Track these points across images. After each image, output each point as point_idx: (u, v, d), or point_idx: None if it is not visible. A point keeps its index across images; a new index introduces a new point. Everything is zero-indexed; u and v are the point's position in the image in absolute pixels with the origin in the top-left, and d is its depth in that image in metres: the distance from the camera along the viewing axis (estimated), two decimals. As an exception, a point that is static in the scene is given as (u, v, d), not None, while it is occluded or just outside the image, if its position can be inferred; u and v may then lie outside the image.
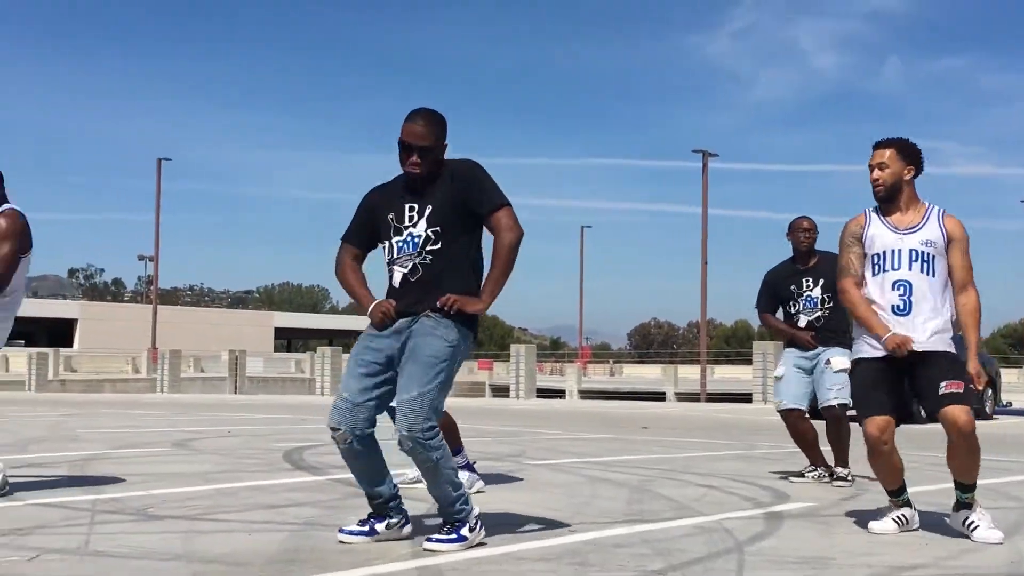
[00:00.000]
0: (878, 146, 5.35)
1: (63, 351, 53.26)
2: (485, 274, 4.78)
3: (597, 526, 5.36)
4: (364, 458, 4.72)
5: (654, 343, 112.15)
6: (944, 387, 5.02)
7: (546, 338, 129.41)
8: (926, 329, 5.16)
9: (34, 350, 43.85)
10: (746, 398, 28.37)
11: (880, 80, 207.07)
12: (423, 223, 4.71)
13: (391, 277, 4.78)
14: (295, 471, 7.98)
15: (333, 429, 4.68)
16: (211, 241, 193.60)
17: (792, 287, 7.73)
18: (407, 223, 4.74)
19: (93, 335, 75.78)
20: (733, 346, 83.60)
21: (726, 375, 55.19)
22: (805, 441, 7.73)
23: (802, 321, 7.69)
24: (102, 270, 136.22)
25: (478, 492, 6.53)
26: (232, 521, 5.42)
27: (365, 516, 4.85)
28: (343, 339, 71.55)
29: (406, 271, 4.72)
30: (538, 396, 32.76)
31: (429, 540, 4.59)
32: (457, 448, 6.68)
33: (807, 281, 7.69)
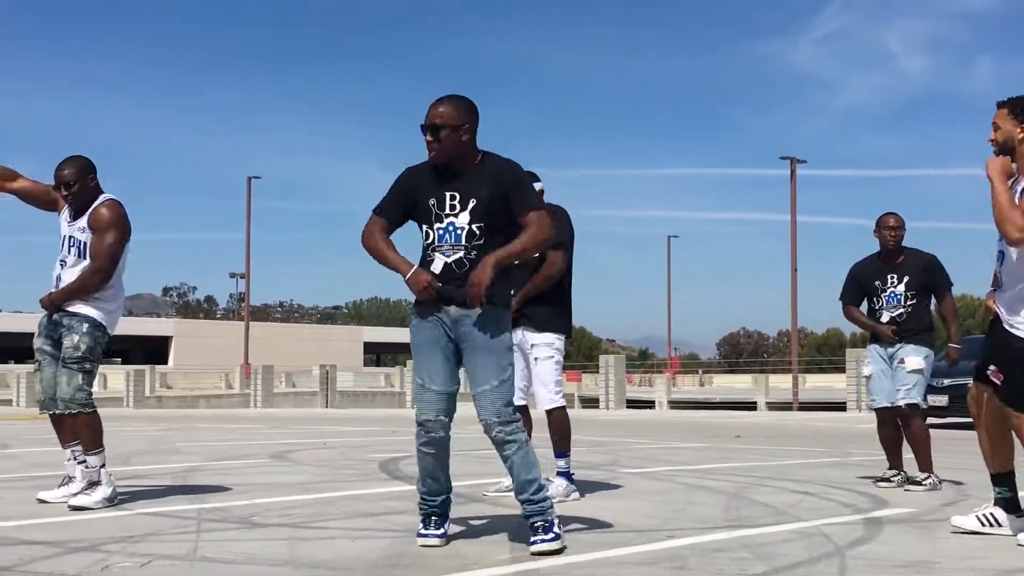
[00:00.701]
0: (998, 106, 5.18)
1: (159, 368, 54.45)
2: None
3: (695, 532, 5.36)
4: (444, 449, 4.86)
5: (744, 353, 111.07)
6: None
7: (634, 349, 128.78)
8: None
9: (131, 367, 44.82)
10: (840, 406, 27.96)
11: (971, 81, 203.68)
12: (466, 215, 4.74)
13: (430, 262, 4.79)
14: (391, 480, 8.08)
15: (427, 422, 4.78)
16: (301, 258, 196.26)
17: (877, 282, 7.72)
18: (448, 211, 4.76)
19: (187, 352, 77.29)
20: (825, 354, 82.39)
21: (818, 384, 54.43)
22: (890, 442, 7.66)
23: (884, 317, 7.69)
24: (195, 288, 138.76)
25: (573, 500, 6.55)
26: (334, 528, 5.52)
27: (429, 519, 4.94)
28: (431, 353, 71.96)
29: (450, 261, 4.75)
30: (628, 407, 32.65)
31: (534, 543, 4.62)
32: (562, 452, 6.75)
33: (892, 277, 7.67)
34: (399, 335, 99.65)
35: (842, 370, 29.29)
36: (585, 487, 7.37)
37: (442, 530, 4.93)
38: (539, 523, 4.68)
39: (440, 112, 4.75)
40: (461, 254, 4.74)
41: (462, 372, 4.90)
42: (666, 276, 67.63)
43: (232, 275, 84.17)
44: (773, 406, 36.21)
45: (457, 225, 4.74)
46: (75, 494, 6.21)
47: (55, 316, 6.25)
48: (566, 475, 6.73)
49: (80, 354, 6.14)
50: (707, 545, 4.93)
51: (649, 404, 38.67)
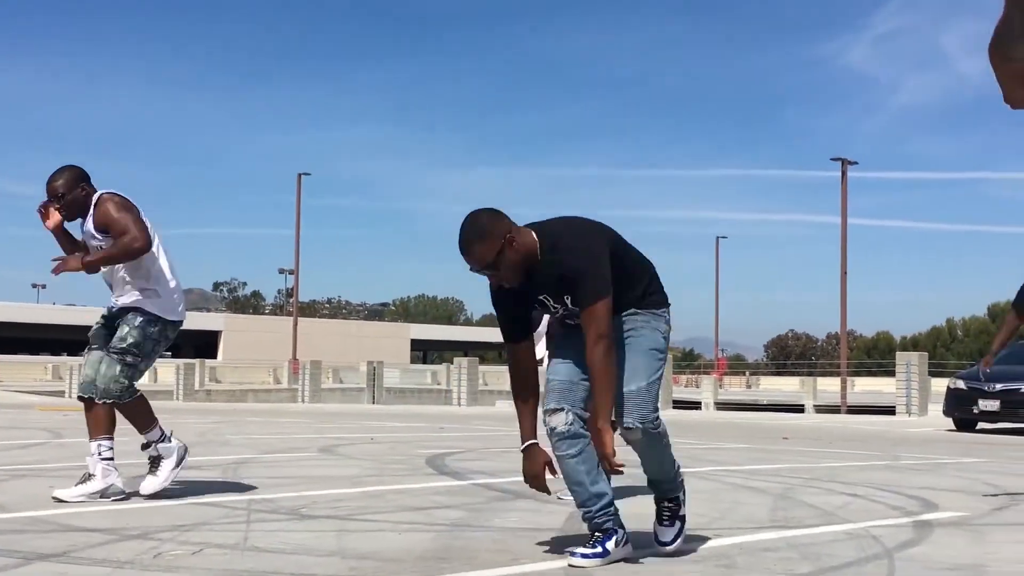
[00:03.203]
0: None
1: (208, 362, 54.94)
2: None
3: (742, 531, 5.35)
4: (584, 445, 4.40)
5: (792, 355, 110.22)
6: None
7: (681, 349, 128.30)
8: None
9: (181, 361, 45.32)
10: (889, 410, 27.69)
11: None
12: (560, 307, 4.46)
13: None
14: (439, 476, 8.12)
15: (554, 411, 4.38)
16: (349, 254, 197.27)
17: None
18: (553, 311, 4.53)
19: (236, 346, 77.95)
20: (874, 357, 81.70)
21: (867, 387, 53.97)
22: None
23: None
24: (244, 283, 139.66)
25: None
26: (382, 521, 5.56)
27: (589, 536, 4.45)
28: (478, 351, 72.22)
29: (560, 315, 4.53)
30: (674, 407, 32.54)
31: (661, 529, 4.68)
32: None
33: None
34: (446, 332, 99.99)
35: (891, 374, 29.02)
36: (631, 486, 7.37)
37: (600, 548, 4.39)
38: (670, 504, 4.76)
39: (479, 252, 4.29)
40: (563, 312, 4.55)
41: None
42: (714, 277, 67.44)
43: (281, 271, 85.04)
44: (821, 409, 35.92)
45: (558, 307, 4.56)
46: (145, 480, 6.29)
47: (115, 310, 6.26)
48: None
49: (124, 346, 6.09)
50: (754, 544, 4.92)
51: (695, 405, 38.51)
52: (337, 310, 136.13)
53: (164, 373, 52.16)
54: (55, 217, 6.16)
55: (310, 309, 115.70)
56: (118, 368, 6.09)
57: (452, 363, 39.89)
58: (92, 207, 6.12)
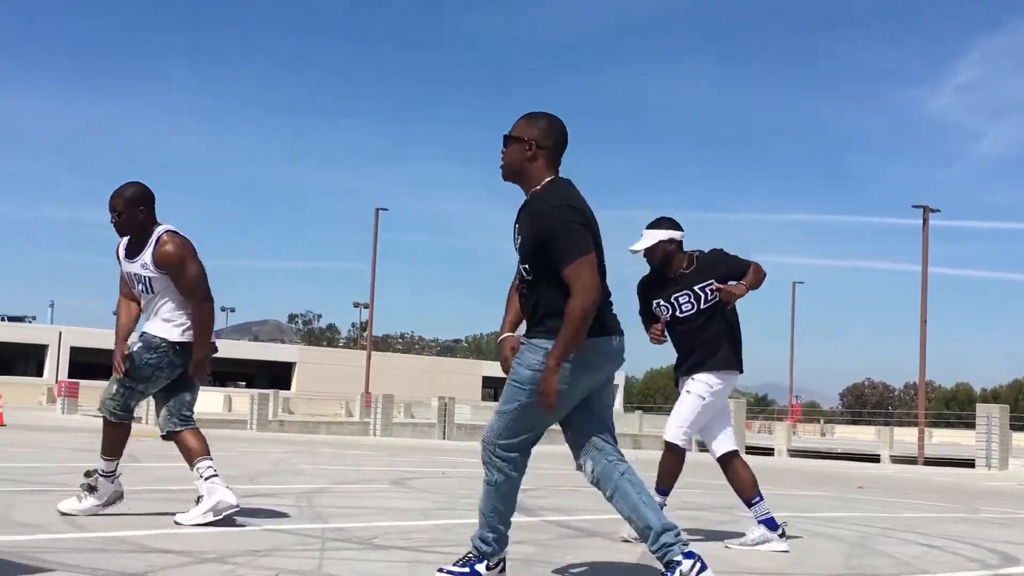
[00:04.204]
0: None
1: (282, 393, 55.44)
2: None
3: (816, 577, 5.28)
4: (614, 489, 4.48)
5: (868, 404, 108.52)
6: None
7: (754, 395, 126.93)
8: None
9: (256, 391, 45.76)
10: (968, 463, 27.11)
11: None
12: (519, 254, 4.53)
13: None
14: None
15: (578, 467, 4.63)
16: (423, 290, 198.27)
17: None
18: (516, 246, 4.57)
19: (310, 378, 78.67)
20: (953, 409, 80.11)
21: (945, 439, 52.90)
22: None
23: None
24: (319, 316, 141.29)
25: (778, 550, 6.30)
26: (453, 554, 5.56)
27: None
28: (549, 390, 71.91)
29: (521, 278, 4.57)
30: (746, 453, 32.16)
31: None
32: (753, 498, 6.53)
33: None
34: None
35: (971, 426, 28.43)
36: (704, 529, 7.32)
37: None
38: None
39: (516, 124, 4.55)
40: (524, 289, 4.55)
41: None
42: (790, 323, 66.74)
43: (356, 304, 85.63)
44: (897, 459, 35.26)
45: (520, 261, 4.55)
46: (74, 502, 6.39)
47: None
48: (767, 522, 6.46)
49: (124, 367, 6.19)
50: (829, 591, 4.85)
51: (768, 451, 38.02)
52: (410, 345, 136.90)
53: (239, 403, 52.81)
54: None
55: (384, 343, 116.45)
56: (115, 387, 6.24)
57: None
58: (153, 242, 6.21)
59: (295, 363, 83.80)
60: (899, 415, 76.73)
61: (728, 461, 6.60)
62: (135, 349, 6.25)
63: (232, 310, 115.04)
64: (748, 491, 6.50)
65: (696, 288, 6.35)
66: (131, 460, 11.64)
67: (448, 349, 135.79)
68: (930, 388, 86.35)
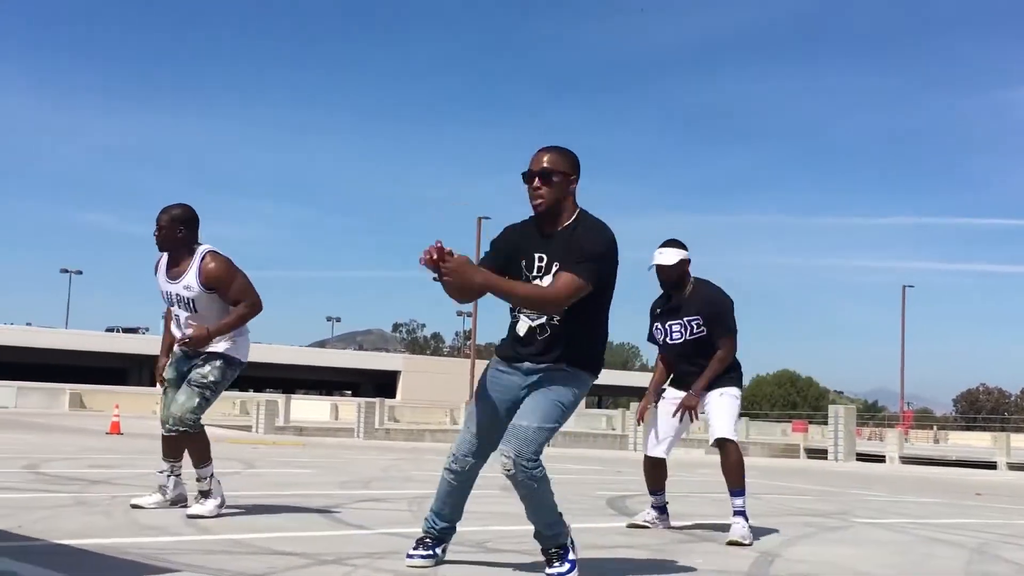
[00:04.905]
0: None
1: (388, 401, 56.07)
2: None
3: (936, 583, 5.19)
4: (466, 485, 5.13)
5: (983, 410, 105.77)
6: None
7: (864, 401, 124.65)
8: None
9: (362, 400, 46.38)
10: (1089, 470, 26.28)
11: None
12: (548, 279, 4.57)
13: (515, 324, 4.76)
14: (620, 516, 8.13)
15: (457, 458, 5.03)
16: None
17: None
18: (535, 273, 4.61)
19: (414, 387, 79.41)
20: (1072, 415, 77.60)
21: (1064, 445, 51.30)
22: None
23: None
24: (423, 325, 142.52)
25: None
26: (566, 557, 5.59)
27: (424, 542, 5.09)
28: (653, 397, 71.56)
29: (533, 325, 4.69)
30: (857, 459, 31.60)
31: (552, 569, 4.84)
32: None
33: None
34: (620, 377, 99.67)
35: (1092, 431, 27.50)
36: (819, 533, 7.24)
37: (431, 551, 5.07)
38: (554, 551, 4.94)
39: (546, 159, 4.60)
40: (543, 320, 4.64)
41: None
42: (900, 327, 65.42)
43: (459, 313, 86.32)
44: (1015, 467, 34.34)
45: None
46: (191, 506, 6.74)
47: (192, 354, 6.62)
48: (743, 514, 6.62)
49: (206, 381, 6.53)
50: (950, 597, 4.77)
51: (879, 458, 37.30)
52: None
53: (345, 411, 53.54)
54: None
55: (487, 351, 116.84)
56: (196, 401, 6.53)
57: (628, 408, 39.66)
58: (198, 262, 6.52)
59: (400, 372, 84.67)
60: (1016, 421, 74.70)
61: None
62: (218, 364, 6.57)
63: (338, 320, 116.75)
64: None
65: (686, 320, 6.88)
66: (246, 466, 11.91)
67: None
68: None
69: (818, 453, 37.26)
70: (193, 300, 6.52)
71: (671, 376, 7.23)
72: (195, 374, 6.56)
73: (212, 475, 6.74)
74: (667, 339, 6.99)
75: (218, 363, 6.58)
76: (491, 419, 4.86)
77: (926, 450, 44.99)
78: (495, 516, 7.63)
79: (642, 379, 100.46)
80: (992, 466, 34.44)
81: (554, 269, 4.54)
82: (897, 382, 67.26)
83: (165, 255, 6.67)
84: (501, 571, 5.04)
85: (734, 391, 6.89)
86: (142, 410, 50.61)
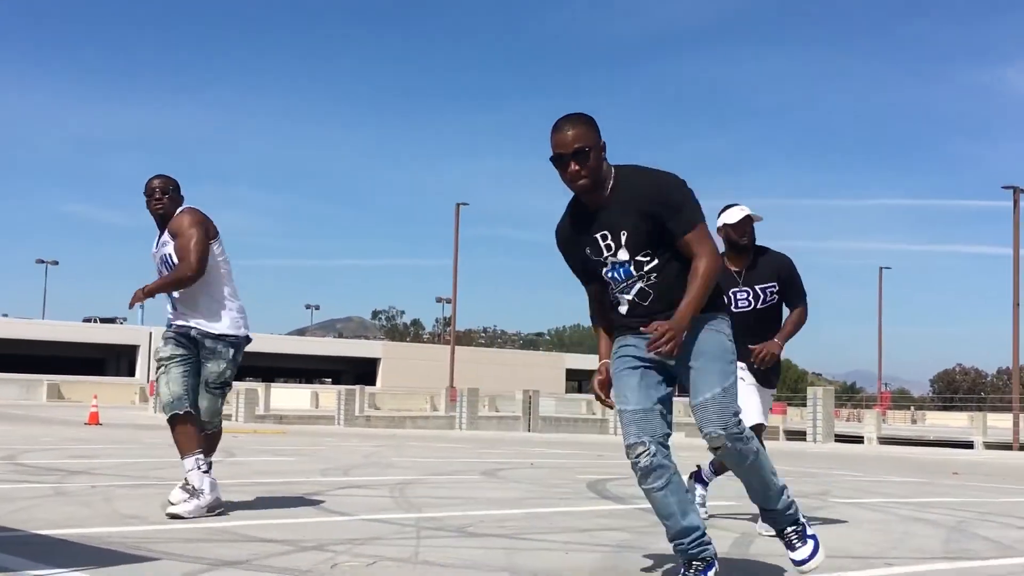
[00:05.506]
0: None
1: (368, 389, 55.97)
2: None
3: (914, 561, 5.23)
4: (670, 476, 4.17)
5: (959, 390, 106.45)
6: None
7: (842, 383, 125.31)
8: None
9: (342, 387, 46.27)
10: (1065, 448, 26.50)
11: None
12: (624, 252, 4.25)
13: (617, 306, 4.35)
14: (601, 499, 8.15)
15: (634, 445, 4.18)
16: (506, 284, 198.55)
17: None
18: (607, 254, 4.28)
19: (394, 374, 79.29)
20: (1047, 394, 78.22)
21: (1040, 424, 51.68)
22: None
23: None
24: (403, 312, 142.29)
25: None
26: (548, 541, 5.62)
27: (687, 566, 4.23)
28: (633, 381, 71.59)
29: (631, 296, 4.29)
30: (835, 440, 31.78)
31: (796, 563, 4.34)
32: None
33: None
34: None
35: (1068, 410, 27.74)
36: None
37: None
38: (791, 530, 4.41)
39: (574, 136, 4.17)
40: (640, 284, 4.27)
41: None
42: (877, 309, 65.74)
43: (439, 300, 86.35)
44: (991, 446, 34.59)
45: (620, 260, 4.27)
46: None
47: (195, 334, 6.37)
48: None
49: (224, 379, 6.41)
50: (928, 574, 4.81)
51: (857, 439, 37.51)
52: (493, 339, 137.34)
53: (326, 399, 53.44)
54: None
55: (467, 338, 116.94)
56: (220, 402, 6.47)
57: (608, 393, 39.68)
58: (177, 214, 6.38)
59: (380, 359, 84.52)
60: (992, 401, 75.23)
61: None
62: (229, 356, 6.40)
63: (317, 308, 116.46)
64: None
65: (757, 288, 6.30)
66: (227, 455, 11.88)
67: (531, 343, 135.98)
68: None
69: (797, 435, 37.41)
70: (171, 256, 6.34)
71: None
72: (210, 375, 6.36)
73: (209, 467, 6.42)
74: (730, 307, 6.21)
75: (229, 354, 6.39)
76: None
77: (904, 431, 45.28)
78: (476, 501, 7.63)
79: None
80: (969, 445, 34.69)
81: (623, 239, 4.21)
82: (875, 363, 67.67)
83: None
84: (487, 553, 5.04)
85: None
86: (121, 400, 50.46)
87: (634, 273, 4.25)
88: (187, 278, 6.27)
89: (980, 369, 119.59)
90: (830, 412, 32.13)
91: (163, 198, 6.37)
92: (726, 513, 7.06)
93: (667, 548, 5.26)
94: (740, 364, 6.04)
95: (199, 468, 6.25)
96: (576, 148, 4.14)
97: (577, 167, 4.15)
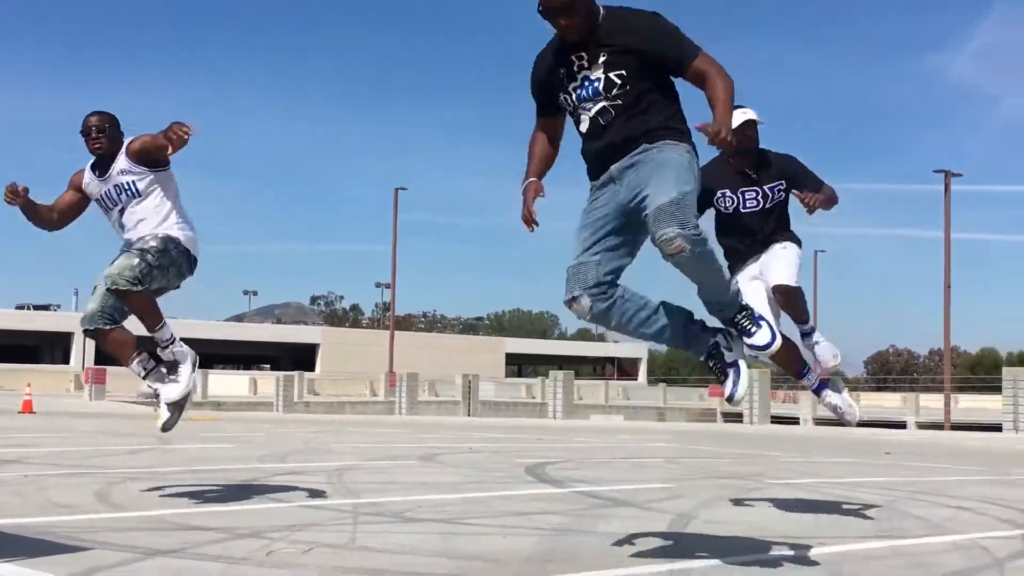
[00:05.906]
0: None
1: (307, 375, 55.66)
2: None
3: (847, 540, 5.31)
4: (611, 304, 4.32)
5: (892, 371, 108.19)
6: None
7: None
8: None
9: (280, 374, 46.01)
10: (995, 428, 27.06)
11: None
12: (599, 68, 4.30)
13: (578, 124, 4.42)
14: (539, 483, 8.18)
15: (573, 300, 4.30)
16: (444, 269, 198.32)
17: None
18: (577, 70, 4.34)
19: (333, 359, 78.88)
20: (979, 374, 79.87)
21: (971, 405, 52.72)
22: None
23: None
24: (342, 297, 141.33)
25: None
26: (485, 525, 5.64)
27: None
28: (573, 364, 72.08)
29: (592, 114, 4.35)
30: (772, 422, 32.20)
31: (757, 348, 4.41)
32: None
33: None
34: (540, 346, 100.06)
35: (997, 390, 28.33)
36: (734, 495, 7.36)
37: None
38: (737, 325, 4.43)
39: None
40: (604, 103, 4.30)
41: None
42: (812, 292, 66.63)
43: (378, 285, 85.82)
44: (923, 426, 35.24)
45: (592, 77, 4.31)
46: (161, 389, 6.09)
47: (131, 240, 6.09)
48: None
49: (146, 246, 5.98)
50: (859, 553, 4.88)
51: (793, 420, 38.02)
52: (433, 324, 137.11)
53: (264, 385, 53.08)
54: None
55: (406, 323, 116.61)
56: (136, 260, 5.92)
57: (547, 376, 39.91)
58: (124, 148, 6.10)
59: (319, 344, 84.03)
60: (924, 382, 76.61)
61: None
62: (161, 236, 6.02)
63: (255, 293, 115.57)
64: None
65: (766, 188, 6.26)
66: (162, 443, 11.76)
67: (471, 327, 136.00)
68: (955, 354, 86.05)
69: (734, 417, 37.85)
70: (135, 184, 6.05)
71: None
72: (135, 244, 6.00)
73: (173, 338, 6.09)
74: (739, 207, 6.23)
75: (162, 234, 6.02)
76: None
77: (839, 412, 45.82)
78: (414, 486, 7.63)
79: (561, 347, 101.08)
80: (902, 426, 35.29)
81: (601, 58, 4.27)
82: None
83: (85, 169, 6.23)
84: (425, 538, 5.04)
85: (797, 248, 6.37)
86: (55, 388, 49.72)
87: (601, 92, 4.30)
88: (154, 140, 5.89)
89: (913, 350, 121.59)
90: (766, 395, 32.51)
91: (100, 137, 6.11)
92: (660, 497, 7.12)
93: (605, 531, 5.31)
94: (752, 262, 6.32)
95: (142, 371, 6.02)
96: (565, 3, 4.24)
97: (568, 23, 4.27)
